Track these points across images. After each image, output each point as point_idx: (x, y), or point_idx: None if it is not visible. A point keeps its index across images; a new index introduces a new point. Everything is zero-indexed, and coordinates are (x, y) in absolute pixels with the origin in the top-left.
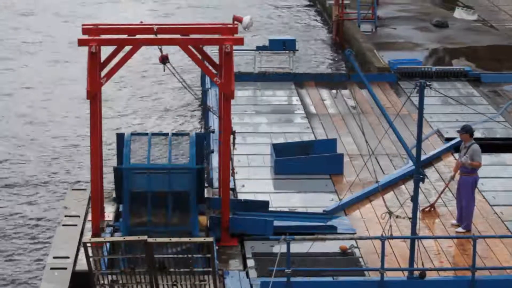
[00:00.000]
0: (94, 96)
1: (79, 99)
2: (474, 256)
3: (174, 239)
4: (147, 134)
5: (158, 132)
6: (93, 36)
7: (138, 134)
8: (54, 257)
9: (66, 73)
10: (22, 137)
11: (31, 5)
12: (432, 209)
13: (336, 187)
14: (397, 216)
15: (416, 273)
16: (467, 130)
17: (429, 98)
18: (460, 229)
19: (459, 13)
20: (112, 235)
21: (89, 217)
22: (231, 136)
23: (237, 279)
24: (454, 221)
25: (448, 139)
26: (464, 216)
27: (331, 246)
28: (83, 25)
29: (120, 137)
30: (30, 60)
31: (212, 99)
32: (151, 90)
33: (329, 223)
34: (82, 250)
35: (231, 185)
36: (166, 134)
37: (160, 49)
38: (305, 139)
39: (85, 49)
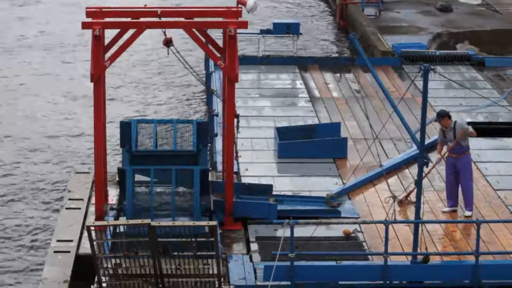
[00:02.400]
0: (98, 79)
1: (82, 87)
2: (478, 240)
3: (177, 223)
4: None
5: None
6: (97, 19)
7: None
8: (58, 241)
9: (67, 65)
10: (24, 124)
11: None
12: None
13: (339, 171)
14: (400, 200)
15: (420, 257)
16: (445, 114)
17: (433, 82)
18: (468, 213)
19: None
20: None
21: (93, 201)
22: (235, 120)
23: (241, 262)
24: (446, 209)
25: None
26: (468, 198)
27: (334, 230)
28: (87, 8)
29: (124, 125)
30: (30, 53)
31: (216, 83)
32: (154, 74)
33: None
34: (85, 233)
35: (235, 168)
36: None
37: (164, 32)
38: (309, 122)
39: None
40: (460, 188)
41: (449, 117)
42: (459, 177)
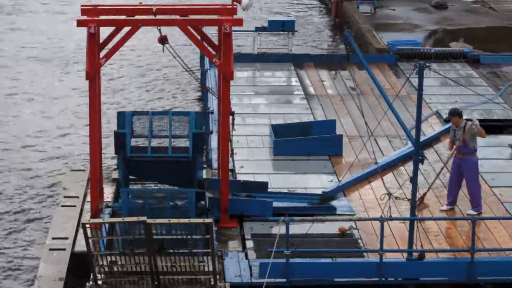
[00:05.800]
0: (93, 77)
1: (77, 87)
2: (473, 237)
3: (173, 220)
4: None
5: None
6: (92, 17)
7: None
8: (53, 238)
9: (63, 68)
10: (20, 123)
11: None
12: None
13: (335, 168)
14: (396, 198)
15: (415, 254)
16: (456, 113)
17: (428, 79)
18: (471, 211)
19: None
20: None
21: (88, 198)
22: (230, 117)
23: (236, 260)
24: (444, 207)
25: (447, 121)
26: (472, 198)
27: (330, 227)
28: (82, 5)
29: (120, 115)
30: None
31: (211, 80)
32: (149, 72)
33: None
34: (81, 231)
35: (230, 166)
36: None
37: (159, 30)
38: (304, 120)
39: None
40: (466, 188)
41: (460, 116)
42: (464, 178)
